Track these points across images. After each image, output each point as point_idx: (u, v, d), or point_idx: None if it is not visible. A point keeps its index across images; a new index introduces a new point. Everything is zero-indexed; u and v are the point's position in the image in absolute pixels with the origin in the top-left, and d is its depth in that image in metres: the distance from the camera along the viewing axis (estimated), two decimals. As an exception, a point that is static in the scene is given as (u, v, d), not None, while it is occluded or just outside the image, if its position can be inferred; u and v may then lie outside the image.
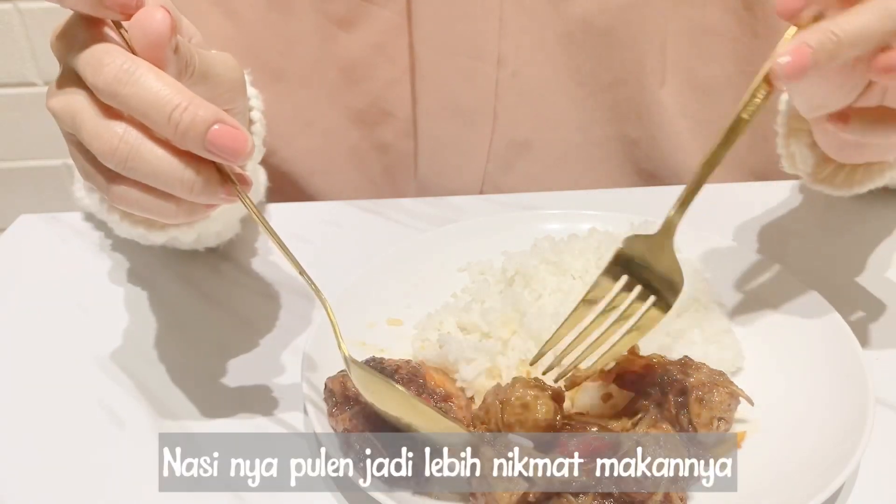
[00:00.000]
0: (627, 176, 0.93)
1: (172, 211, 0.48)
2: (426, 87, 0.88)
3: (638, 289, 0.54)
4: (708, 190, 0.91)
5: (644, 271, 0.54)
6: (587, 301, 0.55)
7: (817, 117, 0.54)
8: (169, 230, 0.59)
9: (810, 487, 0.49)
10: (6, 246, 0.83)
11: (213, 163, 0.47)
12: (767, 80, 0.49)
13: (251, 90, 0.64)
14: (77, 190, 0.81)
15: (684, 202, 0.53)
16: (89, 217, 0.85)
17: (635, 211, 0.76)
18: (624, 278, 0.54)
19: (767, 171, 0.92)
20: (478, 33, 0.85)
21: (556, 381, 0.56)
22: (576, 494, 0.50)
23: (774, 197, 0.85)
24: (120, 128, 0.45)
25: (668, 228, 0.53)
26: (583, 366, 0.56)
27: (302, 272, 0.52)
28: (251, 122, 0.63)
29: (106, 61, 0.44)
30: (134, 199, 0.47)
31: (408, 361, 0.60)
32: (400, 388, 0.52)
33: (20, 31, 1.52)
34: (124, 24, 0.46)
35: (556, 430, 0.52)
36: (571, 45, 0.86)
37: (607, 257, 0.68)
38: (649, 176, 0.92)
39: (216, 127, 0.45)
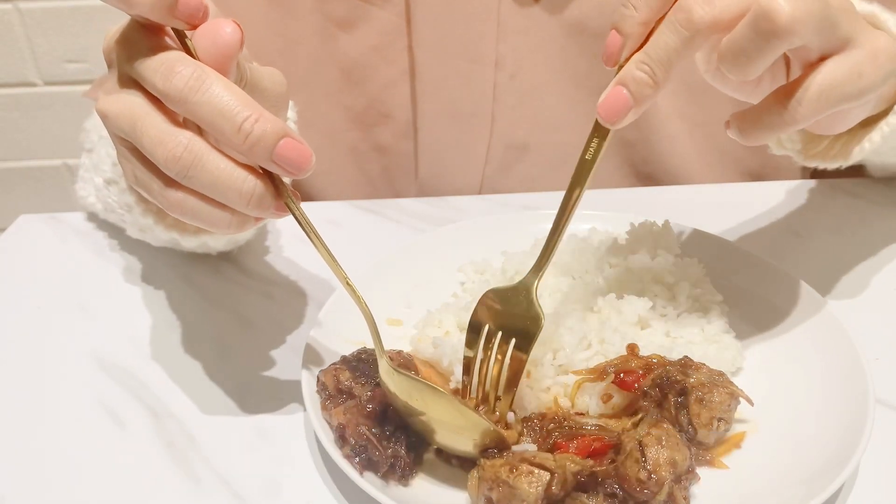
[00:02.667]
0: (625, 178, 0.93)
1: (226, 221, 0.48)
2: (425, 90, 0.88)
3: (499, 336, 0.57)
4: (708, 190, 0.91)
5: (505, 319, 0.57)
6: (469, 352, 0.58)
7: None
8: (201, 236, 0.59)
9: (810, 487, 0.49)
10: (6, 246, 0.83)
11: (269, 176, 0.47)
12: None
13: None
14: (80, 189, 0.81)
15: (544, 256, 0.56)
16: (90, 217, 0.85)
17: (635, 211, 0.76)
18: (486, 328, 0.57)
19: (764, 171, 0.92)
20: (476, 36, 0.85)
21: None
22: (587, 495, 0.50)
23: (774, 197, 0.85)
24: (184, 137, 0.46)
25: (527, 284, 0.57)
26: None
27: (347, 283, 0.53)
28: None
29: (177, 69, 0.45)
30: (190, 207, 0.47)
31: (399, 352, 0.60)
32: (445, 392, 0.52)
33: (20, 31, 1.52)
34: (188, 33, 0.47)
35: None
36: (568, 47, 0.86)
37: (607, 257, 0.69)
38: (646, 178, 0.92)
39: (283, 141, 0.45)
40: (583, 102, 0.89)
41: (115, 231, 0.82)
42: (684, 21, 0.47)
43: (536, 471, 0.49)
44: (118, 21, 0.49)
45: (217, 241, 0.62)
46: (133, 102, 0.47)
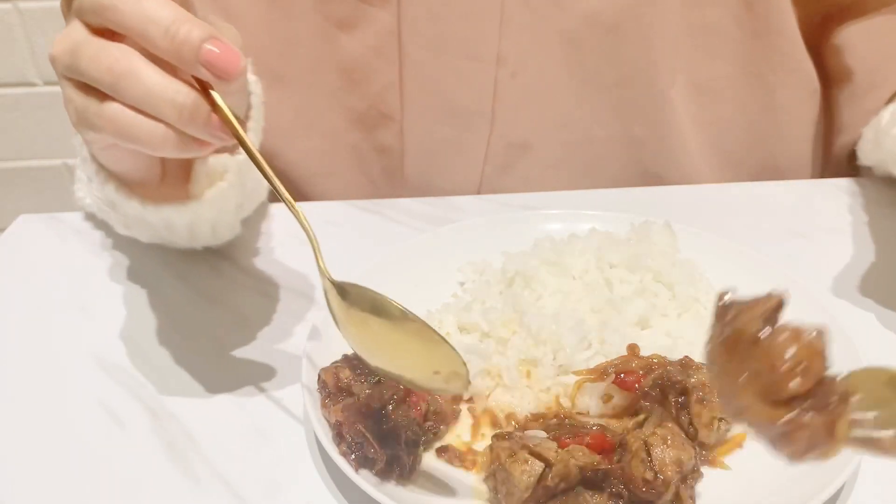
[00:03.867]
0: (631, 178, 0.91)
1: (161, 135, 0.48)
2: (419, 89, 0.87)
3: None
4: (708, 190, 0.91)
5: None
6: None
7: None
8: (162, 208, 0.59)
9: (810, 487, 0.49)
10: (6, 246, 0.83)
11: (207, 96, 0.48)
12: None
13: (251, 77, 0.65)
14: (78, 190, 0.81)
15: None
16: (89, 217, 0.85)
17: (635, 211, 0.76)
18: None
19: (767, 173, 0.92)
20: (477, 33, 0.84)
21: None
22: (591, 493, 0.50)
23: (775, 197, 0.85)
24: (118, 49, 0.47)
25: None
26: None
27: (291, 204, 0.50)
28: (249, 106, 0.64)
29: None
30: (123, 121, 0.48)
31: None
32: (395, 303, 0.48)
33: (20, 31, 1.52)
34: None
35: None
36: (575, 42, 0.84)
37: (607, 257, 0.68)
38: (654, 177, 0.90)
39: (210, 42, 0.46)
40: (588, 99, 0.87)
41: (114, 231, 0.82)
42: None
43: (531, 460, 0.49)
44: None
45: (181, 217, 0.61)
46: (76, 36, 0.49)
